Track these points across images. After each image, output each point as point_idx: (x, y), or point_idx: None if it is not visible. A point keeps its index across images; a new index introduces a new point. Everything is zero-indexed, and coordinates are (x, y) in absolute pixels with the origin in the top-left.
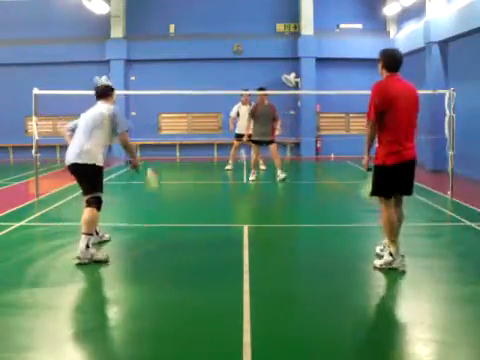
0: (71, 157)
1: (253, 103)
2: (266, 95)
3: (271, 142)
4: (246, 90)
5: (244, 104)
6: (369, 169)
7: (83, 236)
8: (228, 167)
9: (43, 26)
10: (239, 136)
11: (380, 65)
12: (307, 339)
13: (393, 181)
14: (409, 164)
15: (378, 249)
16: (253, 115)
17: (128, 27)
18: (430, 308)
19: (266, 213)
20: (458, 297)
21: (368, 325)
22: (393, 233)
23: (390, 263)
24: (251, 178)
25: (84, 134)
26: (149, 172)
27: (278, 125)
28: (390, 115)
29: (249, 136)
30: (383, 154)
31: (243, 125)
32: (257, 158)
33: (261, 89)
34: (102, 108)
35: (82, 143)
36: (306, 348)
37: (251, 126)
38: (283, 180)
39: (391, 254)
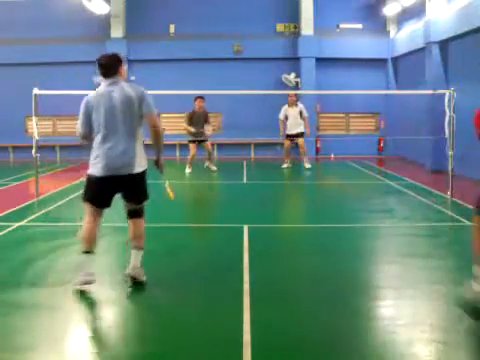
0: (124, 164)
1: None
2: (202, 102)
3: (204, 141)
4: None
5: (290, 106)
6: None
7: (137, 251)
8: (285, 166)
9: (43, 26)
10: (290, 136)
11: None
12: (307, 339)
13: None
14: None
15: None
16: (191, 119)
17: (128, 27)
18: (430, 308)
19: (266, 213)
20: (458, 297)
21: (368, 325)
22: None
23: None
24: (187, 171)
25: (127, 133)
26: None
27: (210, 127)
28: None
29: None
30: None
31: (291, 125)
32: (193, 157)
33: (199, 97)
34: (127, 89)
35: (131, 145)
36: (306, 348)
37: (191, 129)
38: (213, 171)
39: None
